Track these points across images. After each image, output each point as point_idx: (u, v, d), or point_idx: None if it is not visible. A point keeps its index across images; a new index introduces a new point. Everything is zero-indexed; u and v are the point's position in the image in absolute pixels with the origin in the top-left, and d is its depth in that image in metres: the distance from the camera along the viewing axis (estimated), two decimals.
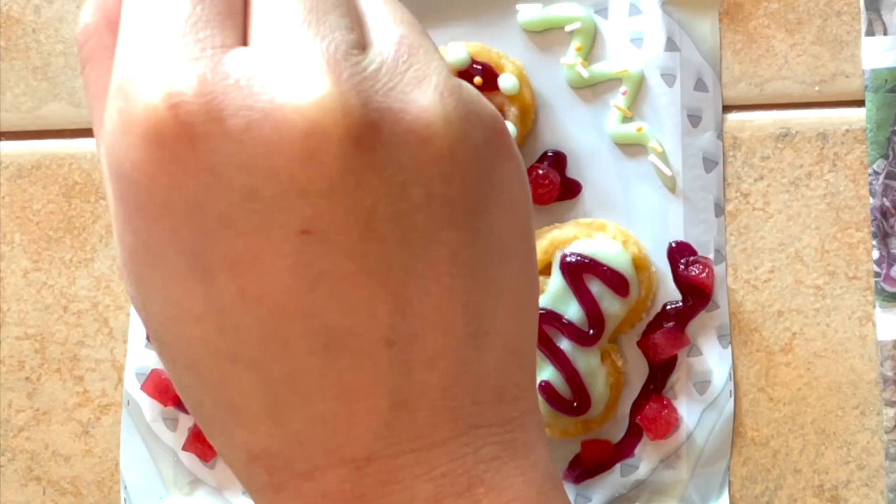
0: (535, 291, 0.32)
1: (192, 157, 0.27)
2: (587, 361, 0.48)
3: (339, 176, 0.27)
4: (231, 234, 0.27)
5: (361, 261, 0.27)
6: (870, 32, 0.49)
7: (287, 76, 0.27)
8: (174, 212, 0.27)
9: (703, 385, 0.49)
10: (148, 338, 0.50)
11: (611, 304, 0.48)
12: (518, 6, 0.50)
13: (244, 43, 0.28)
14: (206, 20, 0.28)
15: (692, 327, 0.49)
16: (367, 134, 0.27)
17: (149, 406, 0.50)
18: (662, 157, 0.49)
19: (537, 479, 0.30)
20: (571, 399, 0.48)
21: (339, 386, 0.28)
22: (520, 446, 0.30)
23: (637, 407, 0.49)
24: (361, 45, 0.28)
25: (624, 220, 0.49)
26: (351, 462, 0.28)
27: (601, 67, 0.50)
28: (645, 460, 0.49)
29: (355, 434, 0.28)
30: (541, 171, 0.49)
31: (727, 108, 0.50)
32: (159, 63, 0.27)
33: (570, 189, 0.50)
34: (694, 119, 0.50)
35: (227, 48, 0.27)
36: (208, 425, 0.30)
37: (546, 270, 0.48)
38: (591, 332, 0.47)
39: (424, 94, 0.28)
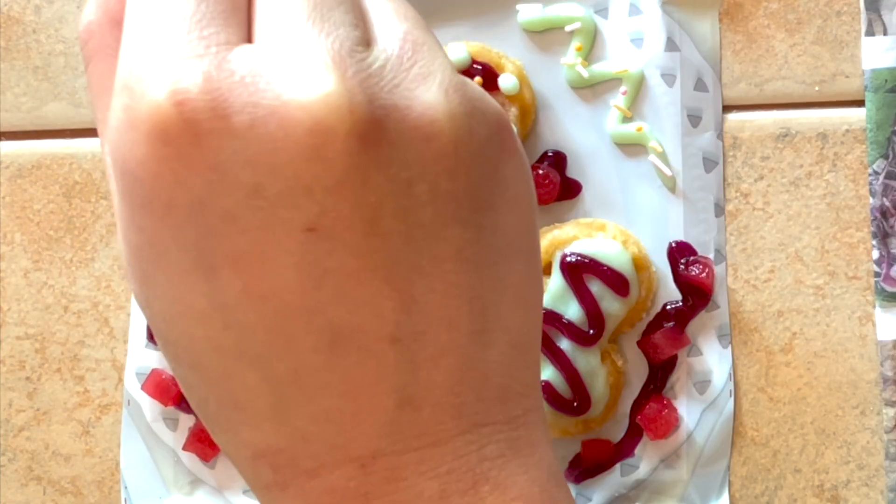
0: (540, 288, 0.32)
1: (197, 154, 0.26)
2: (587, 361, 0.48)
3: (344, 173, 0.26)
4: (236, 232, 0.27)
5: (366, 258, 0.27)
6: (870, 32, 0.49)
7: (292, 73, 0.27)
8: (179, 209, 0.27)
9: (703, 385, 0.49)
10: (149, 337, 0.50)
11: (611, 304, 0.48)
12: (518, 6, 0.50)
13: (249, 40, 0.28)
14: (211, 17, 0.28)
15: (692, 327, 0.49)
16: (373, 131, 0.27)
17: (149, 406, 0.50)
18: (662, 157, 0.49)
19: (541, 476, 0.30)
20: (571, 399, 0.48)
21: (345, 383, 0.28)
22: (524, 444, 0.30)
23: (637, 407, 0.49)
24: (366, 41, 0.28)
25: (624, 220, 0.49)
26: (356, 460, 0.28)
27: (601, 67, 0.50)
28: (645, 460, 0.49)
29: (360, 431, 0.28)
30: (541, 171, 0.49)
31: (727, 108, 0.50)
32: (164, 60, 0.27)
33: (570, 189, 0.50)
34: (694, 119, 0.50)
35: (232, 45, 0.27)
36: (212, 423, 0.30)
37: (546, 270, 0.48)
38: (591, 331, 0.47)
39: (429, 91, 0.28)
